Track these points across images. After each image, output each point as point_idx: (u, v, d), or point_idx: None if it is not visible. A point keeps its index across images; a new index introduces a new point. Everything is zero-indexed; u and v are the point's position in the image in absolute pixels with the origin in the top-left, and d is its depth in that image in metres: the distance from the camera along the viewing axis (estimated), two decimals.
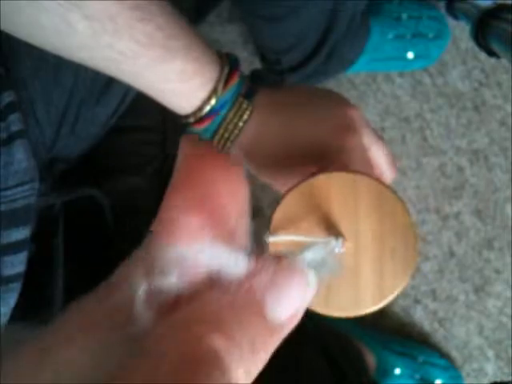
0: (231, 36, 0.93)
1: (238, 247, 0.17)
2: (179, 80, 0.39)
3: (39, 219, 0.47)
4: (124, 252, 0.18)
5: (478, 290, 0.90)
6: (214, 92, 0.41)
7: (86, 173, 0.56)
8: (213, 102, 0.41)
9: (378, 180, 0.35)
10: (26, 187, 0.43)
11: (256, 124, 0.43)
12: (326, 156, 0.41)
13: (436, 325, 0.90)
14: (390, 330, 0.90)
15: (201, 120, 0.42)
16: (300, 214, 0.35)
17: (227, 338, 0.14)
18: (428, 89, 0.92)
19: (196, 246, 0.16)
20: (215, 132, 0.43)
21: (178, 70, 0.39)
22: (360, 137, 0.42)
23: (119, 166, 0.57)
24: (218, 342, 0.14)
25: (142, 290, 0.15)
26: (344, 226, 0.35)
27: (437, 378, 0.85)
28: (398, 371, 0.84)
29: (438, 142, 0.92)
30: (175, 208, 0.17)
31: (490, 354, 0.90)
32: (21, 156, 0.43)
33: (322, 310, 0.36)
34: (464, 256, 0.91)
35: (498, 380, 0.90)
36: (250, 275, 0.16)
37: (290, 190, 0.36)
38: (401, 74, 0.92)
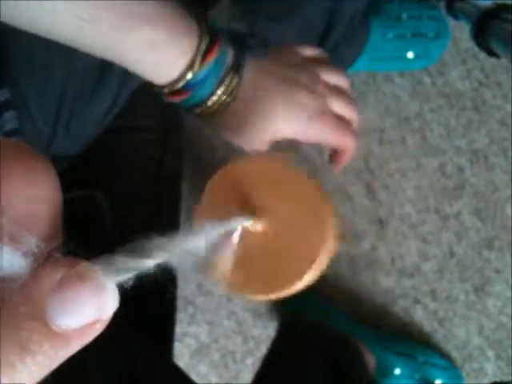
0: None
1: (20, 246, 0.16)
2: (150, 50, 0.38)
3: None
4: None
5: (477, 289, 0.90)
6: (190, 66, 0.40)
7: (86, 173, 0.56)
8: (189, 76, 0.40)
9: (300, 172, 0.36)
10: None
11: (240, 97, 0.42)
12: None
13: (436, 325, 0.90)
14: (390, 329, 0.90)
15: (176, 93, 0.41)
16: (223, 198, 0.37)
17: None
18: (428, 89, 0.92)
19: None
20: (197, 104, 0.42)
21: (147, 38, 0.37)
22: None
23: (119, 166, 0.57)
24: None
25: None
26: (262, 209, 0.35)
27: (437, 378, 0.85)
28: (397, 371, 0.84)
29: (437, 142, 0.92)
30: None
31: (490, 354, 0.90)
32: None
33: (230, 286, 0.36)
34: (464, 256, 0.91)
35: (498, 380, 0.90)
36: (33, 277, 0.15)
37: (213, 177, 0.37)
38: (401, 74, 0.92)
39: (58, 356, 0.15)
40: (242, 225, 0.34)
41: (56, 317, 0.15)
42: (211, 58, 0.40)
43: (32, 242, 0.16)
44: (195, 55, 0.40)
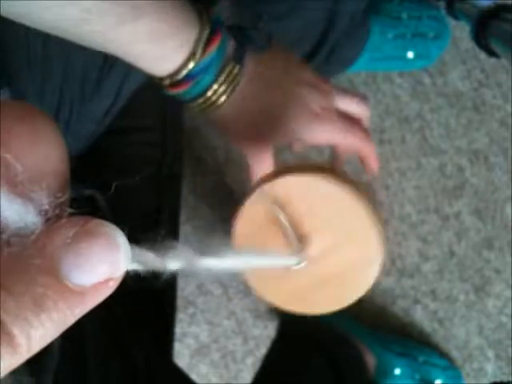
0: None
1: (32, 202, 0.16)
2: (148, 41, 0.38)
3: None
4: None
5: (477, 289, 0.90)
6: (192, 56, 0.40)
7: (85, 173, 0.56)
8: (190, 65, 0.40)
9: (339, 175, 0.36)
10: None
11: (241, 89, 0.42)
12: (295, 133, 0.44)
13: (436, 325, 0.90)
14: (389, 329, 0.90)
15: (177, 84, 0.41)
16: (263, 217, 0.35)
17: (3, 288, 0.14)
18: (428, 89, 0.92)
19: None
20: (199, 95, 0.42)
21: (146, 29, 0.37)
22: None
23: (119, 166, 0.57)
24: None
25: None
26: (307, 229, 0.34)
27: (437, 378, 0.85)
28: (398, 371, 0.84)
29: (438, 142, 0.92)
30: None
31: (490, 354, 0.90)
32: None
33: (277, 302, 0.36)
34: (464, 256, 0.91)
35: (498, 380, 0.90)
36: (46, 233, 0.15)
37: (247, 195, 0.36)
38: (401, 74, 0.92)
39: (74, 313, 0.15)
40: (286, 264, 0.32)
41: (70, 273, 0.15)
42: (213, 48, 0.40)
43: (43, 198, 0.16)
44: (197, 45, 0.40)
